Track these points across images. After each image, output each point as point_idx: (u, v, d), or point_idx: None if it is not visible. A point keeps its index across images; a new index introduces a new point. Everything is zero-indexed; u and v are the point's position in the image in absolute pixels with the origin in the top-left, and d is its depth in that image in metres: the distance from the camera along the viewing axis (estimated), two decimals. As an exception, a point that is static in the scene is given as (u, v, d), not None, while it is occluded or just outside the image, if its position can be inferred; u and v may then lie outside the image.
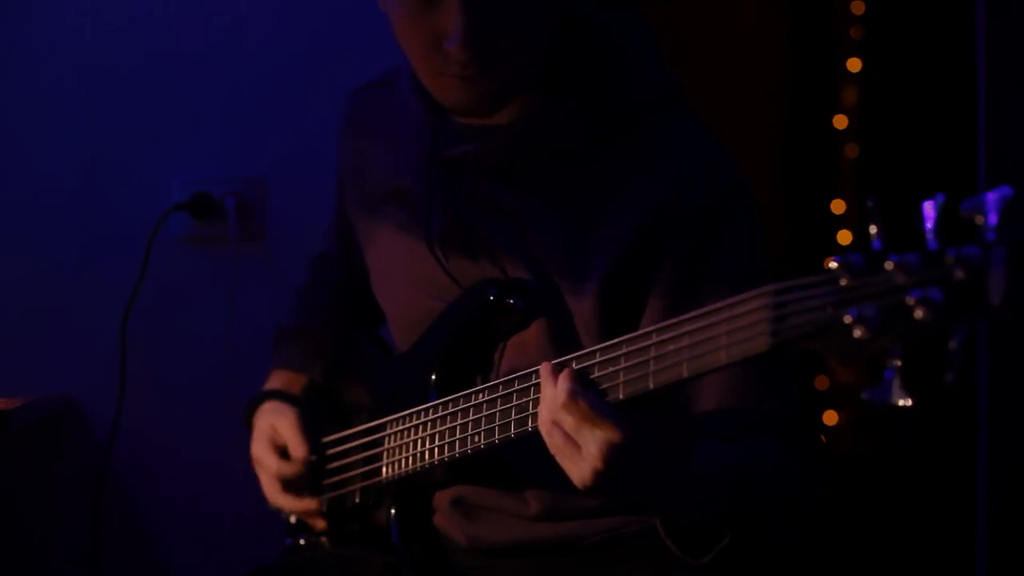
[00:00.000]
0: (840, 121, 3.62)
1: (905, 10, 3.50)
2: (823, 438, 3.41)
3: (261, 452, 1.74)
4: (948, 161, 3.05)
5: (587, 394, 1.26)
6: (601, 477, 1.25)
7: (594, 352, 1.30)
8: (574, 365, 1.29)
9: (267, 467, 1.73)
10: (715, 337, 1.16)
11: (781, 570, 1.43)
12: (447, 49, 1.45)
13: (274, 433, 1.73)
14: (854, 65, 3.59)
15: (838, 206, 3.60)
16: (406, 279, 1.64)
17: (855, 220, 3.58)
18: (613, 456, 1.24)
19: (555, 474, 1.54)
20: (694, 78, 1.65)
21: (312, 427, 1.72)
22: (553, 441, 1.29)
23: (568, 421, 1.26)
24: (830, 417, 3.54)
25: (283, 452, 1.73)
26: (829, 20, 3.66)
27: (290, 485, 1.72)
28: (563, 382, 1.27)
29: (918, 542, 3.20)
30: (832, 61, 3.63)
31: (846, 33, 3.61)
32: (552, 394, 1.28)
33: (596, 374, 1.29)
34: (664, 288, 1.47)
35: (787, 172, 3.64)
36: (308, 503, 1.71)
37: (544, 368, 1.31)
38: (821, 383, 3.54)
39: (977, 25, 2.66)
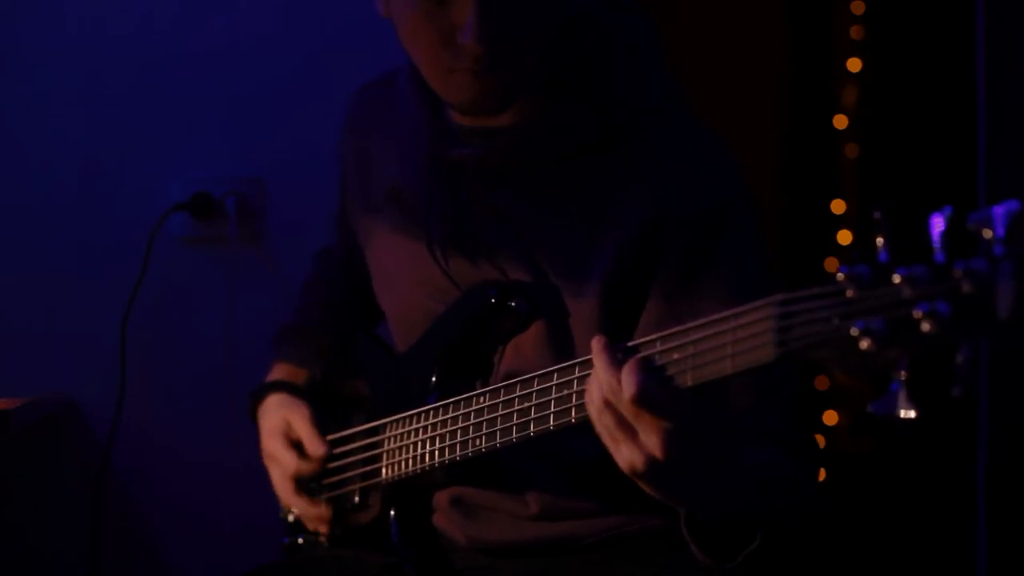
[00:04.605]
0: (840, 121, 3.62)
1: (905, 10, 3.50)
2: (821, 440, 3.41)
3: (277, 448, 1.69)
4: (947, 161, 3.06)
5: (654, 383, 1.19)
6: (656, 465, 1.21)
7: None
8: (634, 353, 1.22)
9: (284, 464, 1.68)
10: (721, 346, 1.15)
11: (781, 570, 1.42)
12: (460, 43, 1.45)
13: (288, 429, 1.69)
14: (854, 65, 3.59)
15: (838, 206, 3.60)
16: (405, 280, 1.63)
17: (855, 220, 3.59)
18: (674, 446, 1.19)
19: (554, 474, 1.55)
20: (694, 78, 1.65)
21: (323, 424, 1.69)
22: (604, 422, 1.23)
23: (627, 407, 1.20)
24: (830, 417, 3.53)
25: (297, 447, 1.69)
26: (829, 20, 3.66)
27: (304, 485, 1.69)
28: (631, 372, 1.20)
29: (918, 542, 3.20)
30: (832, 61, 3.63)
31: (846, 33, 3.61)
32: (609, 377, 1.22)
33: None
34: (663, 293, 1.47)
35: (787, 172, 3.64)
36: (321, 508, 1.67)
37: (597, 343, 1.25)
38: (821, 383, 3.53)
39: (977, 25, 2.66)
